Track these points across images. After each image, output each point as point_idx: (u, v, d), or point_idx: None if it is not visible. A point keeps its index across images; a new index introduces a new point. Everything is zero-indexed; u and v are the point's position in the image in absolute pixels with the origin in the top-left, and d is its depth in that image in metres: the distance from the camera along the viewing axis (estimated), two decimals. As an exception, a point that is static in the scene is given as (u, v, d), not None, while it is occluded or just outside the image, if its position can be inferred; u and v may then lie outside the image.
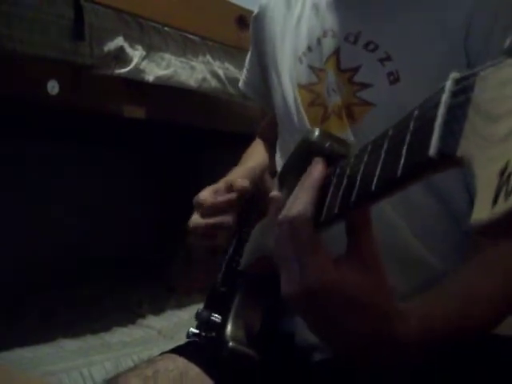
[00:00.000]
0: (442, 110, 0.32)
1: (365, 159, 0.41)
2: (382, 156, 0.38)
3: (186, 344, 0.82)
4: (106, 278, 2.21)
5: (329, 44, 0.74)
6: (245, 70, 0.99)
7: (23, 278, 2.02)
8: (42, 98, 1.45)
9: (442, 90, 0.33)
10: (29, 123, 2.09)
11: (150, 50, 1.66)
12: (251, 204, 0.86)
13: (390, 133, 0.39)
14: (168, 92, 1.76)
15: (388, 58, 0.68)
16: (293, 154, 0.63)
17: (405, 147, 0.35)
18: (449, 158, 0.31)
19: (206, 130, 2.06)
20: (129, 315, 1.92)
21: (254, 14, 0.92)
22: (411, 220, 0.68)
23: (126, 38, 1.58)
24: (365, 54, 0.70)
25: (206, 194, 0.79)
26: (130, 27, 1.61)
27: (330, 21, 0.75)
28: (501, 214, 0.25)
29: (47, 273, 2.11)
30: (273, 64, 0.85)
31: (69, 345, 1.63)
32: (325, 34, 0.75)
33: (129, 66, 1.60)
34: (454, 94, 0.32)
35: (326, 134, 0.55)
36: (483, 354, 0.65)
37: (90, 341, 1.68)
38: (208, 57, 1.86)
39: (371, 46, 0.69)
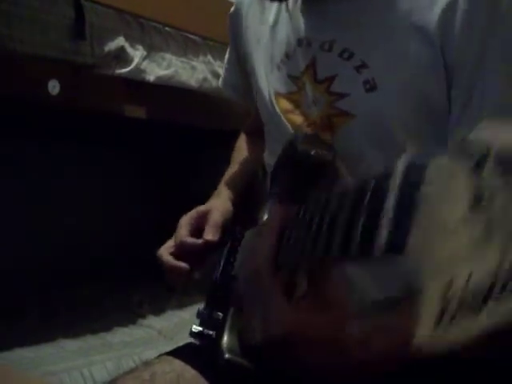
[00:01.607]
0: (391, 201, 0.31)
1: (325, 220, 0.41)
2: (340, 224, 0.37)
3: (184, 346, 0.82)
4: (106, 278, 2.21)
5: (304, 54, 0.72)
6: (224, 69, 0.97)
7: (23, 278, 2.02)
8: (42, 98, 1.45)
9: (390, 175, 0.31)
10: (29, 123, 2.09)
11: (151, 49, 1.66)
12: (245, 206, 0.87)
13: (349, 200, 0.37)
14: (169, 92, 1.76)
15: (364, 66, 0.66)
16: (280, 158, 0.65)
17: (358, 232, 0.34)
18: (397, 255, 0.30)
19: (206, 129, 2.06)
20: (129, 315, 1.92)
21: (230, 12, 0.91)
22: None
23: (126, 38, 1.58)
24: (340, 63, 0.68)
25: (183, 224, 0.82)
26: (131, 27, 1.61)
27: (304, 28, 0.73)
28: (442, 337, 0.25)
29: (47, 273, 2.11)
30: (253, 67, 0.84)
31: (69, 345, 1.63)
32: (299, 43, 0.73)
33: (129, 65, 1.60)
34: (403, 190, 0.30)
35: (311, 140, 0.56)
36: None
37: (91, 341, 1.68)
38: (209, 57, 1.86)
39: (346, 54, 0.68)
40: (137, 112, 1.69)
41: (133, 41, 1.61)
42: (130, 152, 2.60)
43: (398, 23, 0.65)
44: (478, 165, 0.26)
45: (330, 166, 0.49)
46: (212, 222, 0.81)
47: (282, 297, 0.48)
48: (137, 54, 1.61)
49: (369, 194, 0.34)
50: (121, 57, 1.57)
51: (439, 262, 0.27)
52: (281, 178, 0.62)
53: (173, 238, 0.83)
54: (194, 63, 1.80)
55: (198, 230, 0.82)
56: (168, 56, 1.71)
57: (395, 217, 0.30)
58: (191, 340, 0.83)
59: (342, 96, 0.68)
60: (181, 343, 0.84)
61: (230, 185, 0.91)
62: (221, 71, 1.88)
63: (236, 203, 0.87)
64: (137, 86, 1.66)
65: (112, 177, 2.51)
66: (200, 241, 0.80)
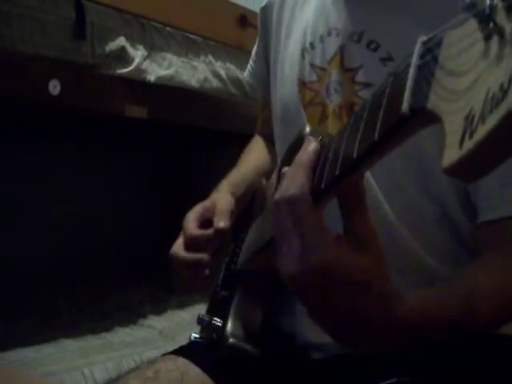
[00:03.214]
0: (411, 71, 0.35)
1: (348, 129, 0.43)
2: (363, 123, 0.40)
3: (187, 345, 0.83)
4: (106, 278, 2.21)
5: (333, 43, 0.73)
6: (251, 60, 0.98)
7: (23, 278, 2.02)
8: (43, 98, 1.45)
9: (412, 53, 0.36)
10: (29, 123, 2.09)
11: (152, 49, 1.66)
12: (248, 208, 0.87)
13: (369, 102, 0.41)
14: (169, 92, 1.76)
15: (389, 58, 0.67)
16: (287, 151, 0.65)
17: (381, 111, 0.37)
18: (420, 113, 0.33)
19: (207, 129, 2.06)
20: (130, 315, 1.92)
21: (262, 5, 0.92)
22: (411, 224, 0.68)
23: (127, 38, 1.58)
24: (367, 53, 0.69)
25: (190, 219, 0.81)
26: (132, 27, 1.61)
27: (334, 19, 0.74)
28: (468, 152, 0.27)
29: (47, 273, 2.11)
30: (276, 58, 0.85)
31: (70, 345, 1.63)
32: (329, 33, 0.74)
33: (130, 65, 1.60)
34: (422, 56, 0.35)
35: (316, 131, 0.58)
36: (486, 352, 0.65)
37: (92, 341, 1.68)
38: (209, 57, 1.86)
39: (373, 45, 0.69)
40: (137, 112, 1.69)
41: (133, 41, 1.61)
42: (131, 152, 2.61)
43: (424, 17, 0.65)
44: (489, 13, 0.29)
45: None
46: (220, 211, 0.80)
47: (324, 231, 0.45)
48: (138, 53, 1.61)
49: (391, 78, 0.38)
50: (121, 57, 1.57)
51: (458, 97, 0.30)
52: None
53: (181, 235, 0.82)
54: (195, 63, 1.80)
55: (205, 222, 0.81)
56: (169, 56, 1.71)
57: (416, 79, 0.34)
58: (193, 339, 0.83)
59: (366, 86, 0.69)
60: (182, 343, 0.84)
61: (232, 183, 0.91)
62: (221, 71, 1.90)
63: (237, 201, 0.86)
64: (137, 86, 1.66)
65: (112, 177, 2.52)
66: (211, 231, 0.78)
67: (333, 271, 0.44)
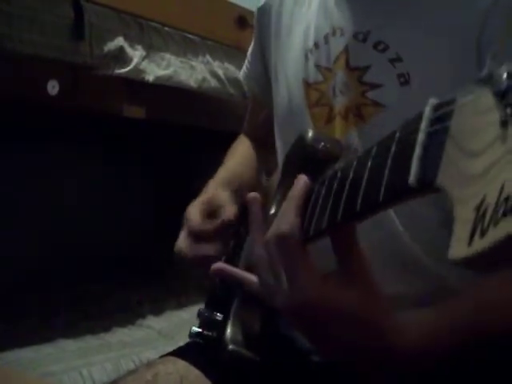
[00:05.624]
0: (420, 138, 0.33)
1: (350, 176, 0.43)
2: (366, 176, 0.40)
3: (186, 346, 0.82)
4: (105, 278, 2.21)
5: (337, 43, 0.72)
6: (246, 62, 0.96)
7: (23, 278, 2.02)
8: (41, 98, 1.45)
9: (421, 116, 0.34)
10: (28, 123, 2.09)
11: (150, 49, 1.66)
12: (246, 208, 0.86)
13: (374, 152, 0.40)
14: (168, 92, 1.76)
15: (399, 59, 0.66)
16: (288, 155, 0.64)
17: (386, 171, 0.37)
18: (428, 187, 0.32)
19: (206, 129, 2.06)
20: (129, 315, 1.92)
21: (259, 6, 0.89)
22: (412, 227, 0.67)
23: (125, 38, 1.58)
24: (374, 54, 0.68)
25: (194, 212, 0.79)
26: (130, 27, 1.61)
27: (338, 18, 0.73)
28: (476, 253, 0.26)
29: (47, 273, 2.11)
30: (277, 59, 0.84)
31: (69, 345, 1.63)
32: (333, 33, 0.73)
33: (129, 65, 1.60)
34: (432, 123, 0.33)
35: (319, 136, 0.57)
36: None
37: (90, 341, 1.68)
38: (208, 57, 1.86)
39: (381, 46, 0.67)
40: (136, 112, 1.69)
41: (132, 41, 1.61)
42: (129, 152, 2.60)
43: (435, 17, 0.64)
44: (506, 91, 0.27)
45: (338, 161, 0.50)
46: (225, 202, 0.79)
47: (312, 268, 0.47)
48: (136, 54, 1.61)
49: (397, 134, 0.36)
50: (120, 57, 1.57)
51: (469, 182, 0.28)
52: (290, 171, 0.63)
53: (184, 230, 0.80)
54: (193, 63, 1.80)
55: (208, 216, 0.80)
56: (167, 56, 1.71)
57: (425, 147, 0.32)
58: (191, 340, 0.83)
59: (373, 86, 0.68)
60: (181, 343, 0.83)
61: (221, 182, 0.88)
62: (220, 71, 1.90)
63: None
64: (136, 86, 1.66)
65: (111, 177, 2.51)
66: (218, 222, 0.78)
67: (319, 307, 0.46)
